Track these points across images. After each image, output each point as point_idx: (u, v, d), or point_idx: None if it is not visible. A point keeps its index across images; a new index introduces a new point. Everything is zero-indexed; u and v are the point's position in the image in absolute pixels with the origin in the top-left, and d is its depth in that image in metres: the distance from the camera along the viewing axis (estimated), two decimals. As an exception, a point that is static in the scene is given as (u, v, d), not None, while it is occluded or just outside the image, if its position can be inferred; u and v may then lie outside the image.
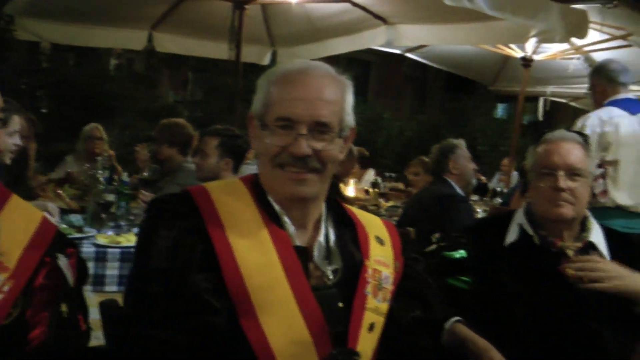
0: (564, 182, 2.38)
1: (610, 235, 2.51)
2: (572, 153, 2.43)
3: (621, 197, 4.55)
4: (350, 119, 1.86)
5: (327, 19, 7.42)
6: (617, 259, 2.40)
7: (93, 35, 7.66)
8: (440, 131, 14.40)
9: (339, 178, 6.68)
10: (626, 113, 4.65)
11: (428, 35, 7.14)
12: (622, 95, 4.76)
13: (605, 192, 4.51)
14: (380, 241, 1.96)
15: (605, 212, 4.40)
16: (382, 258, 1.92)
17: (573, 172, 2.40)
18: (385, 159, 12.86)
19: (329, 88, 1.80)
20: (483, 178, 9.39)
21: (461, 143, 5.35)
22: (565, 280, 2.29)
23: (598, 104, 4.80)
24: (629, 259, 2.39)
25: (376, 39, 7.31)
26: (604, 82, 4.82)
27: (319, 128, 1.76)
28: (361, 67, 16.33)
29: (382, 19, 7.04)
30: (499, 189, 8.00)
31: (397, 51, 8.77)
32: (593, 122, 4.60)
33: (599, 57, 8.48)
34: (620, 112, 4.65)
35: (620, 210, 4.55)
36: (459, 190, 5.19)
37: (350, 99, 1.86)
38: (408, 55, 8.93)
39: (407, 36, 7.13)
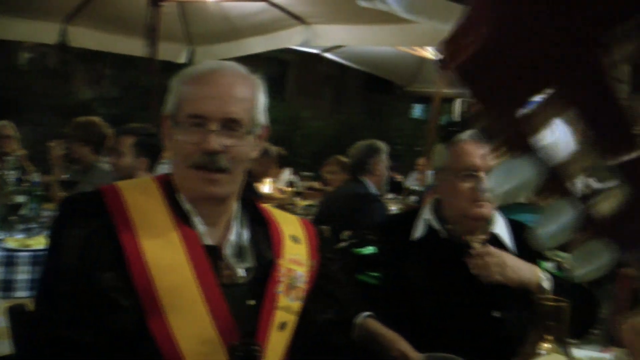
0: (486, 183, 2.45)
1: (515, 227, 2.59)
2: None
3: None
4: (262, 117, 1.89)
5: (245, 18, 7.40)
6: (521, 250, 2.49)
7: (2, 26, 7.37)
8: (358, 131, 14.51)
9: (256, 178, 6.68)
10: None
11: (345, 36, 7.21)
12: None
13: None
14: (295, 240, 1.99)
15: (517, 207, 4.57)
16: (296, 257, 1.95)
17: None
18: (302, 158, 12.87)
19: (239, 86, 1.83)
20: (399, 177, 9.53)
21: (384, 148, 5.44)
22: (470, 272, 2.37)
23: None
24: (532, 250, 2.48)
25: (293, 39, 7.34)
26: None
27: (230, 124, 1.79)
28: (279, 66, 16.29)
29: (299, 19, 7.06)
30: (414, 188, 8.13)
31: (315, 51, 8.82)
32: None
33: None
34: None
35: (531, 206, 4.74)
36: (374, 190, 5.27)
37: (262, 98, 1.89)
38: (326, 55, 8.98)
39: (324, 36, 7.17)
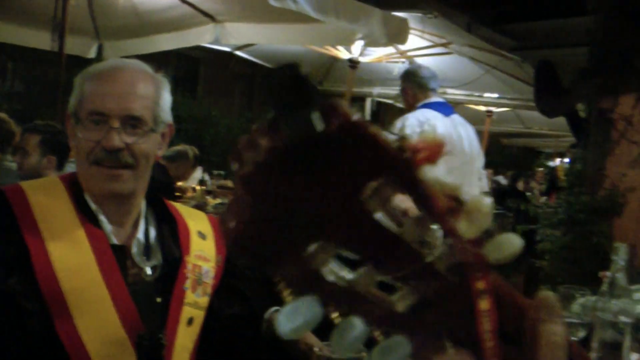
0: None
1: None
2: None
3: None
4: (166, 115, 1.89)
5: (155, 14, 7.30)
6: None
7: None
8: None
9: (174, 180, 6.66)
10: (440, 115, 5.05)
11: (256, 34, 7.22)
12: (433, 99, 5.15)
13: None
14: (202, 236, 2.00)
15: None
16: (202, 253, 1.96)
17: None
18: (213, 156, 12.81)
19: (141, 83, 1.83)
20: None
21: None
22: None
23: (410, 106, 5.12)
24: None
25: (204, 37, 7.29)
26: (415, 87, 5.16)
27: (131, 122, 1.78)
28: (190, 64, 16.11)
29: (210, 17, 7.03)
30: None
31: (227, 49, 8.79)
32: (412, 122, 4.90)
33: (422, 62, 8.93)
34: (435, 114, 5.02)
35: None
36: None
37: (166, 96, 1.89)
38: (237, 53, 8.97)
39: (235, 34, 7.16)
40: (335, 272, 0.55)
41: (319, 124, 0.50)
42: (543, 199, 9.80)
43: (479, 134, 11.54)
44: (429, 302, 0.57)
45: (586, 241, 6.04)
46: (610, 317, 1.98)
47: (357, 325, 0.56)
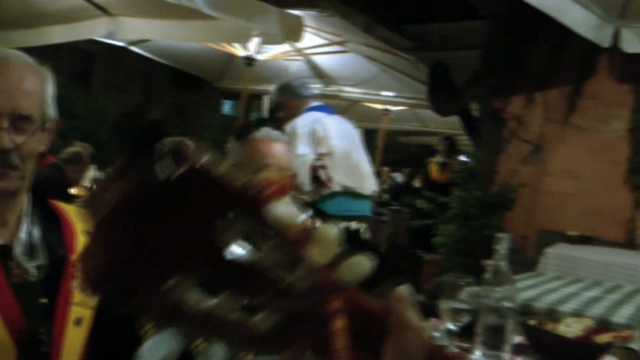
0: None
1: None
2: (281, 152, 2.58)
3: (343, 180, 5.20)
4: (51, 111, 1.80)
5: (45, 4, 7.02)
6: None
7: None
8: (166, 126, 14.34)
9: (71, 182, 6.51)
10: (325, 114, 5.40)
11: (151, 30, 7.10)
12: (313, 104, 5.48)
13: (330, 179, 5.00)
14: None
15: (335, 196, 5.03)
16: None
17: None
18: (109, 154, 12.57)
19: (28, 78, 1.73)
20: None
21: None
22: None
23: (290, 116, 5.38)
24: None
25: (97, 30, 7.09)
26: (292, 98, 5.46)
27: (21, 121, 1.69)
28: (84, 57, 15.70)
29: (104, 10, 6.85)
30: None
31: (121, 44, 8.62)
32: (303, 122, 5.19)
33: (319, 60, 9.01)
34: (320, 114, 5.36)
35: (348, 193, 5.23)
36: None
37: (50, 90, 1.81)
38: (132, 48, 8.81)
39: (129, 29, 7.01)
40: (197, 300, 0.57)
41: (165, 170, 0.53)
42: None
43: (376, 132, 11.76)
44: (290, 321, 0.61)
45: (479, 234, 6.26)
46: (493, 303, 2.07)
47: (219, 352, 0.61)
